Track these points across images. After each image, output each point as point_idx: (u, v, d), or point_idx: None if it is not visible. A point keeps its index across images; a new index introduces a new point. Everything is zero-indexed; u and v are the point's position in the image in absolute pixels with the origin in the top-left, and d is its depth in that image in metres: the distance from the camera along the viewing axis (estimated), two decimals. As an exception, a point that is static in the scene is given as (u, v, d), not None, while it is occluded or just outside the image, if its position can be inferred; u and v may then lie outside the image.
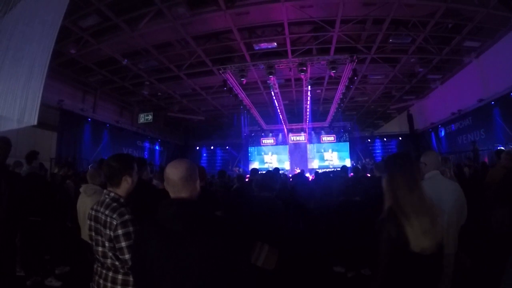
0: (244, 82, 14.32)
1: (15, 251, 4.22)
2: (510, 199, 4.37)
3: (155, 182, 4.63)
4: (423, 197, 2.11)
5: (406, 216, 2.02)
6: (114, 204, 2.06)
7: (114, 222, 1.96)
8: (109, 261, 2.01)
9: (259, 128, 23.89)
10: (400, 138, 22.44)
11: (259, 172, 7.02)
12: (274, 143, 24.20)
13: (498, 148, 10.93)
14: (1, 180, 3.46)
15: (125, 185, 2.18)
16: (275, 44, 12.56)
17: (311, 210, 6.58)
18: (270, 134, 24.25)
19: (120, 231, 1.95)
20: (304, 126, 22.90)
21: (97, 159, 10.53)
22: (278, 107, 18.67)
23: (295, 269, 5.46)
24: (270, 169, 14.71)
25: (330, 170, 18.08)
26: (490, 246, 4.59)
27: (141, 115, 19.08)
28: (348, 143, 23.29)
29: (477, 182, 5.74)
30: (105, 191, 2.18)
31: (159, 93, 18.50)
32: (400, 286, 2.04)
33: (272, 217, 3.61)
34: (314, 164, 22.78)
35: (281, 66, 13.82)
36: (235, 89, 15.77)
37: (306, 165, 22.04)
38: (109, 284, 2.00)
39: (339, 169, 9.78)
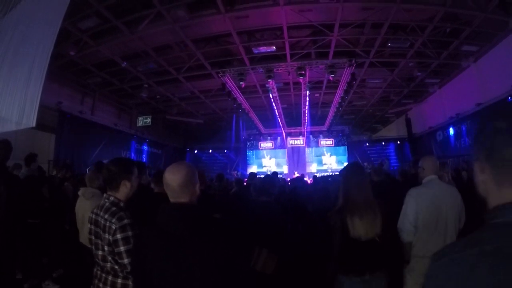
0: (243, 85, 14.32)
1: (15, 253, 4.21)
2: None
3: (152, 185, 4.62)
4: (369, 200, 2.67)
5: (350, 212, 2.61)
6: (114, 208, 2.06)
7: (113, 227, 1.96)
8: (108, 265, 2.01)
9: (257, 132, 23.92)
10: (398, 142, 22.48)
11: (258, 177, 7.01)
12: (273, 147, 24.22)
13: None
14: (1, 182, 3.46)
15: (124, 190, 2.18)
16: (274, 47, 12.56)
17: (309, 213, 6.57)
18: (269, 137, 24.26)
19: (119, 236, 1.95)
20: (303, 130, 22.94)
21: (95, 161, 10.54)
22: (276, 111, 18.70)
23: (294, 272, 5.44)
24: (269, 173, 14.67)
25: (328, 174, 18.11)
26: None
27: (140, 118, 19.07)
28: (346, 147, 23.37)
29: (475, 186, 5.73)
30: (104, 195, 2.19)
31: (158, 96, 18.48)
32: (345, 261, 2.63)
33: (270, 221, 3.62)
34: (313, 168, 22.80)
35: (280, 70, 13.84)
36: (234, 93, 15.79)
37: (305, 169, 22.06)
38: (108, 288, 2.00)
39: (337, 173, 9.78)
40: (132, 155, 18.73)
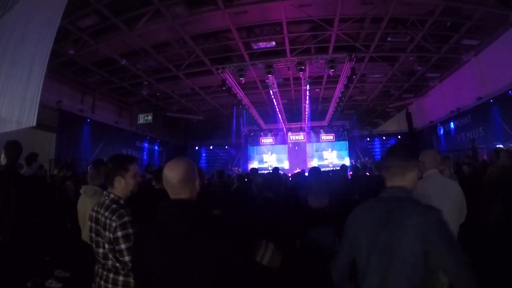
0: (243, 81, 14.30)
1: (26, 251, 4.25)
2: (508, 197, 4.39)
3: (153, 182, 4.64)
4: (321, 188, 4.34)
5: (309, 194, 4.24)
6: (114, 206, 2.06)
7: (114, 224, 1.96)
8: (109, 262, 2.01)
9: (258, 128, 23.87)
10: (399, 137, 22.42)
11: (259, 173, 7.00)
12: (273, 143, 24.17)
13: (497, 146, 10.96)
14: (11, 182, 3.50)
15: (119, 186, 2.17)
16: (274, 43, 12.54)
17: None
18: (269, 133, 24.19)
19: (119, 233, 1.95)
20: (303, 125, 22.91)
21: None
22: (277, 107, 18.68)
23: (296, 268, 5.44)
24: (269, 168, 14.66)
25: (329, 169, 18.11)
26: (490, 245, 4.61)
27: (141, 116, 19.05)
28: (347, 142, 23.29)
29: (477, 180, 5.74)
30: (105, 192, 2.19)
31: (158, 93, 18.48)
32: (309, 220, 4.08)
33: (272, 216, 3.64)
34: (314, 163, 22.74)
35: (280, 65, 13.81)
36: (234, 89, 15.77)
37: (306, 164, 22.03)
38: (110, 286, 2.01)
39: (338, 168, 9.76)
40: (133, 152, 18.73)
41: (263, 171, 13.86)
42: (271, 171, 5.30)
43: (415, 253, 1.59)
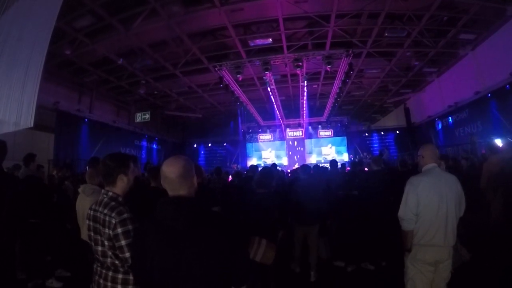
0: (240, 78, 14.30)
1: (14, 254, 4.20)
2: (508, 190, 4.41)
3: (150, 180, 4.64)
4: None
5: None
6: (113, 203, 2.06)
7: (113, 221, 1.96)
8: (109, 260, 2.01)
9: (256, 125, 23.86)
10: (397, 132, 22.49)
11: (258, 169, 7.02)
12: (272, 139, 24.16)
13: (495, 140, 10.99)
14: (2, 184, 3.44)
15: (121, 184, 2.17)
16: (270, 40, 12.54)
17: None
18: (268, 130, 24.18)
19: (119, 230, 1.95)
20: (301, 122, 22.92)
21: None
22: (274, 103, 18.66)
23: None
24: (263, 164, 14.66)
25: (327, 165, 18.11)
26: (488, 238, 4.64)
27: (138, 114, 19.02)
28: (345, 137, 23.29)
29: (475, 175, 5.75)
30: (103, 190, 2.18)
31: (156, 92, 18.47)
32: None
33: (263, 212, 3.65)
34: (312, 159, 22.78)
35: (277, 62, 13.80)
36: (232, 86, 15.75)
37: (304, 160, 22.05)
38: (109, 284, 2.01)
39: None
40: (132, 151, 18.72)
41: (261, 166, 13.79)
42: (263, 167, 5.40)
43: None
